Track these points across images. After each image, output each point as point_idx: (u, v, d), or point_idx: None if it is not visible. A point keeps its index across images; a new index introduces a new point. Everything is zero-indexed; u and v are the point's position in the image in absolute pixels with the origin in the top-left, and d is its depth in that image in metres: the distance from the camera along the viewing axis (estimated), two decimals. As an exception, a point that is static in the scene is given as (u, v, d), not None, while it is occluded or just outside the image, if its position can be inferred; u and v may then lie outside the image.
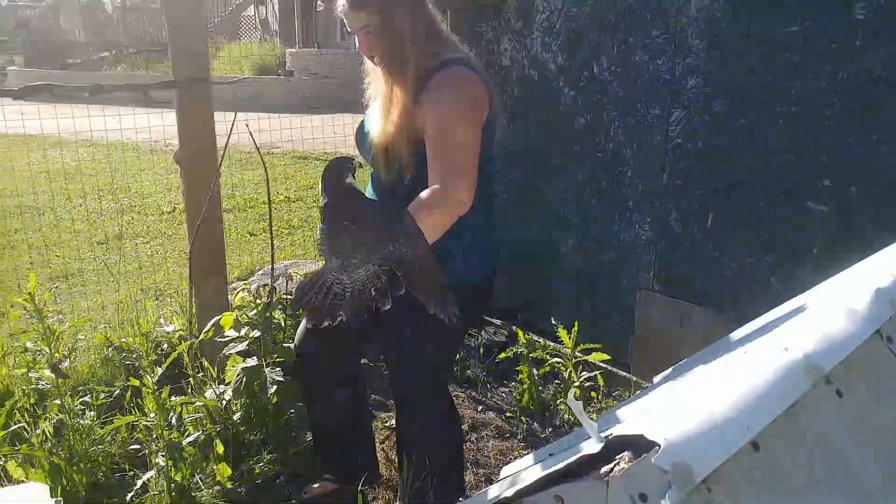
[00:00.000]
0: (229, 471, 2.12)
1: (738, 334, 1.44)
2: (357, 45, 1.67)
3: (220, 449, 2.15)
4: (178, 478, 2.01)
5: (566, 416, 2.57)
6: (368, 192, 1.76)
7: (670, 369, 1.54)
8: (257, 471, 2.19)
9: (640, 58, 2.49)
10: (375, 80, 1.73)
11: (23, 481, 1.94)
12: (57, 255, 4.54)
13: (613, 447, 0.70)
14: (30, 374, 2.23)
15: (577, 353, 2.52)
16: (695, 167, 2.39)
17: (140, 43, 16.25)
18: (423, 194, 1.46)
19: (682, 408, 0.82)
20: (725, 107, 2.27)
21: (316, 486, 2.11)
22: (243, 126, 2.22)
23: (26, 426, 2.14)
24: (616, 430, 0.74)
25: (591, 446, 0.72)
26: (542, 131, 2.89)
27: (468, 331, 2.15)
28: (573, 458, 0.70)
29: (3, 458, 1.93)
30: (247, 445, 2.27)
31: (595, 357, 2.46)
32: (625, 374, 2.67)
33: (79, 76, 12.65)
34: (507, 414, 2.64)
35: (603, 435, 0.75)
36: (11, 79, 12.93)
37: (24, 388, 2.22)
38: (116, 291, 3.25)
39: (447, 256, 1.58)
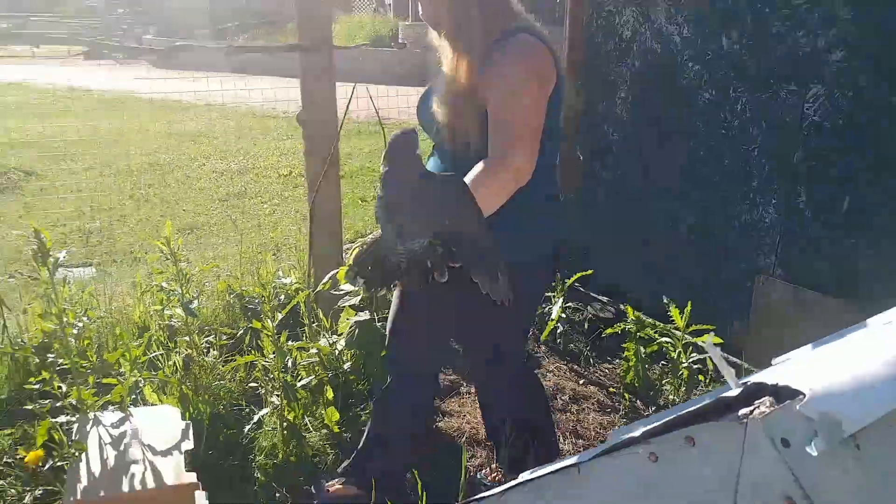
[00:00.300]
0: (337, 416, 2.22)
1: (874, 321, 1.35)
2: (421, 12, 1.64)
3: (330, 395, 2.25)
4: (290, 417, 2.13)
5: (671, 397, 2.51)
6: (430, 165, 1.71)
7: (791, 352, 1.47)
8: (363, 419, 2.29)
9: (776, 29, 2.35)
10: (440, 49, 1.67)
11: (155, 405, 2.12)
12: (184, 210, 4.86)
13: (752, 393, 0.68)
14: (164, 312, 2.42)
15: (686, 335, 2.46)
16: (832, 147, 2.25)
17: (260, 15, 16.98)
18: (481, 163, 1.43)
19: (824, 368, 0.79)
20: (872, 82, 2.11)
21: (336, 486, 1.96)
22: (359, 94, 2.29)
23: (160, 357, 2.33)
24: (754, 379, 0.72)
25: (727, 393, 0.70)
26: (663, 106, 2.80)
27: (535, 307, 2.06)
28: (706, 402, 0.68)
29: (142, 383, 2.11)
30: (354, 394, 2.37)
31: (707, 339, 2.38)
32: (736, 359, 2.57)
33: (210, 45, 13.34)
34: (610, 389, 2.61)
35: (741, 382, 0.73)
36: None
37: (159, 323, 2.41)
38: (238, 245, 3.45)
39: (506, 229, 1.51)
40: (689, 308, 2.39)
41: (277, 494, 2.01)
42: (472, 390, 2.59)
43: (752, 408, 0.67)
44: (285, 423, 2.13)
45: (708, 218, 2.68)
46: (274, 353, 2.13)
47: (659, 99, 2.81)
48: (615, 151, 3.03)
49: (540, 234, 1.69)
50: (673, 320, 2.45)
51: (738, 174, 2.54)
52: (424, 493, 1.84)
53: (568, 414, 2.45)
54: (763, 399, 0.67)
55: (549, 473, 0.69)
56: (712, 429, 0.63)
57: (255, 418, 2.14)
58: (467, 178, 1.38)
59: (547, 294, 2.97)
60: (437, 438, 2.31)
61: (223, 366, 2.38)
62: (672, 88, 2.73)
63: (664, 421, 0.63)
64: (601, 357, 2.83)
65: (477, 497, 0.80)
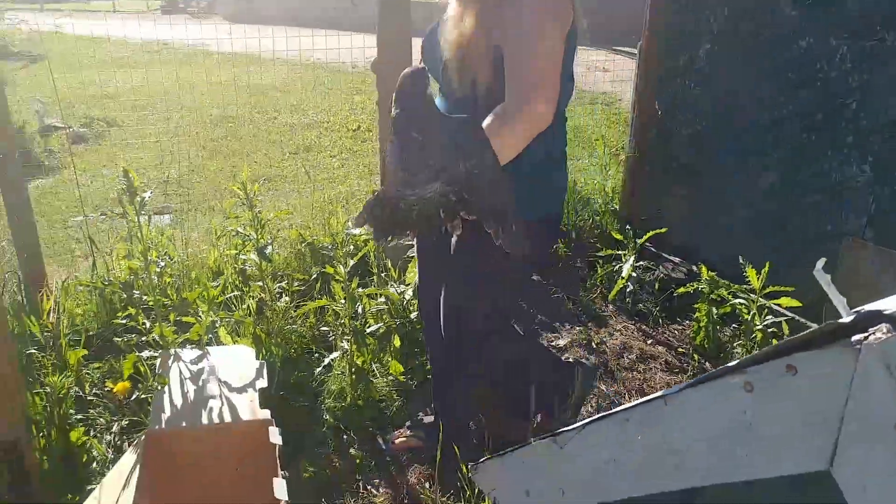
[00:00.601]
0: (401, 368, 2.26)
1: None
2: None
3: (397, 343, 2.29)
4: (359, 362, 2.18)
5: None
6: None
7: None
8: (428, 368, 2.31)
9: (883, -28, 2.18)
10: None
11: (229, 345, 2.20)
12: (255, 162, 4.96)
13: (864, 320, 0.63)
14: (238, 256, 2.49)
15: (762, 298, 2.37)
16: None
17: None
18: (499, 108, 1.35)
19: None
20: None
21: (401, 438, 2.00)
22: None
23: (234, 300, 2.40)
24: (868, 308, 0.67)
25: (835, 321, 0.65)
26: (751, 57, 2.65)
27: (533, 268, 1.95)
28: (811, 330, 0.64)
29: (218, 323, 2.19)
30: (419, 343, 2.40)
31: (784, 302, 2.29)
32: (814, 324, 2.46)
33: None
34: (679, 350, 2.55)
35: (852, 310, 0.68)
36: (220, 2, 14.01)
37: (234, 267, 2.48)
38: (308, 196, 3.51)
39: (515, 185, 1.47)
40: (766, 269, 2.30)
41: (345, 436, 2.06)
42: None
43: (866, 334, 0.62)
44: (354, 368, 2.17)
45: (793, 176, 2.55)
46: (344, 298, 2.16)
47: (747, 49, 2.66)
48: (695, 105, 2.90)
49: (552, 189, 1.62)
50: (749, 282, 2.36)
51: (830, 129, 2.40)
52: (490, 440, 1.86)
53: (634, 373, 2.41)
54: (879, 325, 0.62)
55: (631, 406, 0.67)
56: (819, 356, 0.59)
57: (325, 362, 2.20)
58: (485, 122, 1.31)
59: (618, 252, 2.91)
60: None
61: (294, 311, 2.44)
62: (763, 37, 2.58)
63: (762, 350, 0.60)
64: (671, 318, 2.77)
65: (553, 433, 0.79)
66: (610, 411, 0.74)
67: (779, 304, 2.35)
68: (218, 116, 6.20)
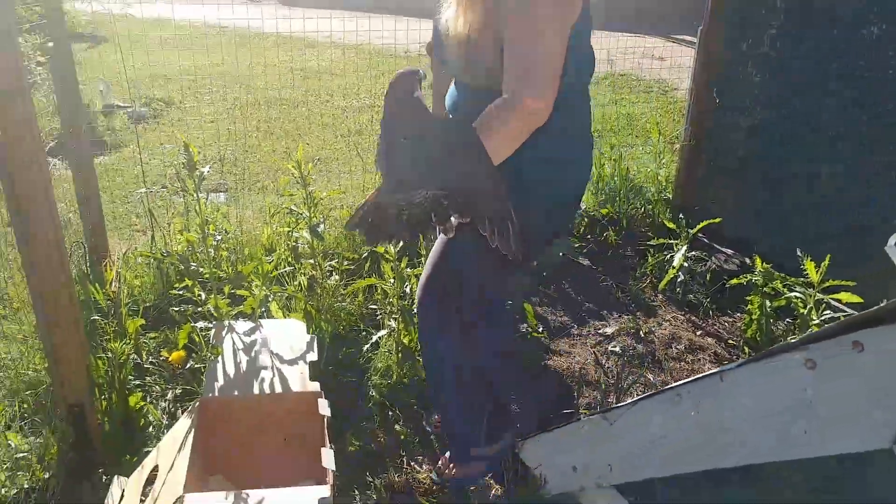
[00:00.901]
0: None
1: None
2: None
3: (444, 323, 2.30)
4: (405, 341, 2.20)
5: (796, 356, 2.38)
6: (449, 99, 1.58)
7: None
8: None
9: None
10: None
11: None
12: (307, 143, 5.03)
13: None
14: (291, 234, 2.54)
15: (819, 292, 2.30)
16: None
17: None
18: (493, 105, 1.29)
19: None
20: None
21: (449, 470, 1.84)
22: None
23: (286, 276, 2.45)
24: None
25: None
26: (818, 44, 2.56)
27: (535, 259, 1.86)
28: (879, 307, 0.63)
29: (270, 298, 2.24)
30: (467, 326, 2.41)
31: (844, 297, 2.22)
32: (875, 322, 2.38)
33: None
34: (729, 342, 2.51)
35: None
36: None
37: (287, 243, 2.54)
38: (360, 178, 3.54)
39: (533, 166, 1.42)
40: (826, 262, 2.23)
41: (390, 413, 2.10)
42: (583, 331, 2.58)
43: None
44: (400, 347, 2.20)
45: (857, 167, 2.46)
46: (393, 278, 2.19)
47: (814, 35, 2.57)
48: (757, 94, 2.82)
49: (573, 169, 1.56)
50: (806, 275, 2.29)
51: (897, 121, 2.31)
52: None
53: (682, 363, 2.38)
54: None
55: (684, 383, 0.67)
56: (889, 332, 0.58)
57: (373, 339, 2.23)
58: (477, 121, 1.26)
59: (669, 241, 2.86)
60: (547, 377, 2.32)
61: (344, 289, 2.48)
62: (831, 24, 2.49)
63: (825, 327, 0.59)
64: (721, 310, 2.72)
65: (607, 408, 0.79)
66: (661, 389, 0.74)
67: (838, 300, 2.28)
68: (272, 98, 6.30)
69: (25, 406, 1.99)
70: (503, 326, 1.82)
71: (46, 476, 1.75)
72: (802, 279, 2.34)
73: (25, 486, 1.69)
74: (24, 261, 1.60)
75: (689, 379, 0.67)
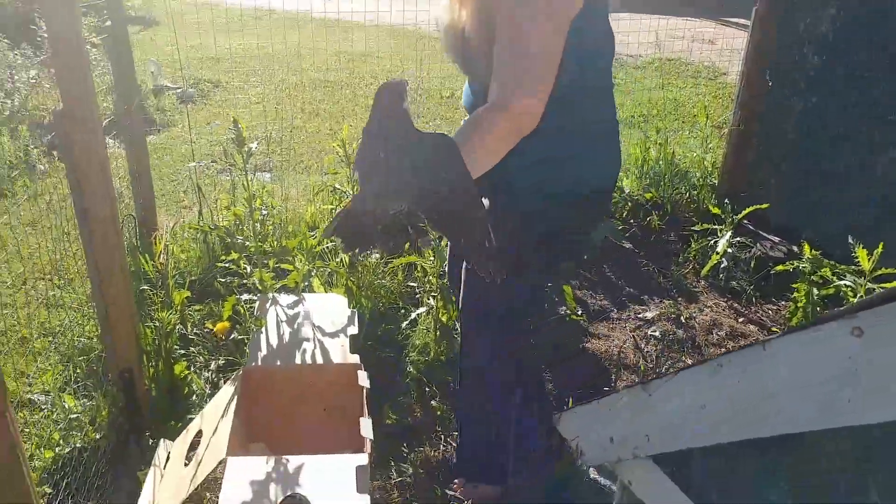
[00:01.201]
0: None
1: None
2: None
3: (483, 303, 2.31)
4: (443, 319, 2.22)
5: (844, 346, 2.32)
6: (465, 99, 1.54)
7: None
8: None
9: None
10: None
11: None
12: (351, 125, 5.07)
13: None
14: (335, 211, 2.57)
15: (870, 282, 2.23)
16: None
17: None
18: (482, 108, 1.21)
19: None
20: None
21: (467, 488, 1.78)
22: None
23: (327, 253, 2.49)
24: None
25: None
26: (880, 26, 2.47)
27: (554, 266, 1.79)
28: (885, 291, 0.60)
29: (313, 273, 2.28)
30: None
31: (896, 287, 2.15)
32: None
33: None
34: (772, 329, 2.46)
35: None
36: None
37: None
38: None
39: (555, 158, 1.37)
40: (879, 250, 2.17)
41: (427, 389, 2.12)
42: (623, 315, 2.56)
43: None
44: (438, 325, 2.22)
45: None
46: (433, 257, 2.20)
47: (876, 16, 2.48)
48: (813, 77, 2.74)
49: (598, 161, 1.48)
50: (857, 263, 2.23)
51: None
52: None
53: (722, 349, 2.34)
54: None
55: (726, 353, 0.66)
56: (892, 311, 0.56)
57: (411, 317, 2.25)
58: (465, 125, 1.20)
59: (714, 227, 2.81)
60: (585, 359, 2.32)
61: (384, 266, 2.50)
62: (888, 10, 2.40)
63: (872, 296, 0.57)
64: (765, 297, 2.66)
65: (647, 380, 0.79)
66: (701, 360, 0.73)
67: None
68: (316, 80, 6.36)
69: (78, 371, 2.07)
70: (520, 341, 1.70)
71: (97, 437, 1.82)
72: (853, 267, 2.28)
73: (78, 444, 1.76)
74: (82, 233, 1.65)
75: (730, 350, 0.66)
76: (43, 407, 1.92)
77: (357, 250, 1.14)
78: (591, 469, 1.80)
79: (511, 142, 1.21)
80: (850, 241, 2.27)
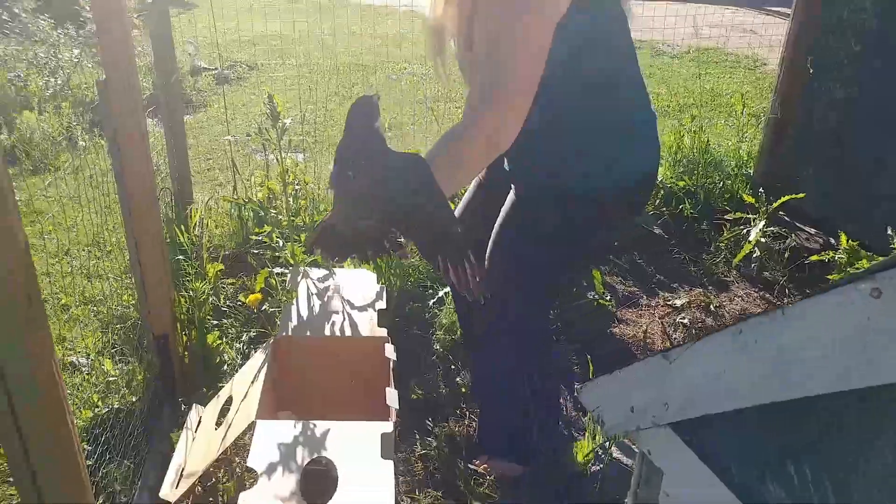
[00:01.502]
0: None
1: None
2: None
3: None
4: (472, 299, 2.24)
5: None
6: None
7: None
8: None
9: None
10: None
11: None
12: (384, 109, 5.09)
13: None
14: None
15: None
16: None
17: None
18: (459, 123, 1.17)
19: None
20: None
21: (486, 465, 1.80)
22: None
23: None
24: None
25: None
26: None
27: (580, 257, 1.81)
28: None
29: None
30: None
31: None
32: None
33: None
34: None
35: None
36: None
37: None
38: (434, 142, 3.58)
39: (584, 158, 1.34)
40: (917, 242, 2.13)
41: (452, 367, 2.14)
42: (652, 302, 2.55)
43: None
44: (466, 304, 2.24)
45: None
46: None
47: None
48: (855, 65, 2.68)
49: (630, 160, 1.41)
50: None
51: None
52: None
53: (753, 339, 2.32)
54: None
55: (745, 319, 0.67)
56: None
57: (439, 295, 2.27)
58: (443, 137, 1.16)
59: (747, 216, 2.78)
60: (612, 345, 2.32)
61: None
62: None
63: (891, 256, 0.57)
64: (798, 289, 2.62)
65: (667, 349, 0.80)
66: (721, 326, 0.74)
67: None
68: (350, 64, 6.40)
69: (116, 338, 2.14)
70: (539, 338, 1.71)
71: (134, 400, 1.88)
72: None
73: (116, 406, 1.83)
74: (122, 204, 1.70)
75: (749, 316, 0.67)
76: (83, 369, 2.00)
77: (336, 259, 1.17)
78: (613, 449, 1.81)
79: (484, 160, 1.19)
80: (889, 232, 2.24)
